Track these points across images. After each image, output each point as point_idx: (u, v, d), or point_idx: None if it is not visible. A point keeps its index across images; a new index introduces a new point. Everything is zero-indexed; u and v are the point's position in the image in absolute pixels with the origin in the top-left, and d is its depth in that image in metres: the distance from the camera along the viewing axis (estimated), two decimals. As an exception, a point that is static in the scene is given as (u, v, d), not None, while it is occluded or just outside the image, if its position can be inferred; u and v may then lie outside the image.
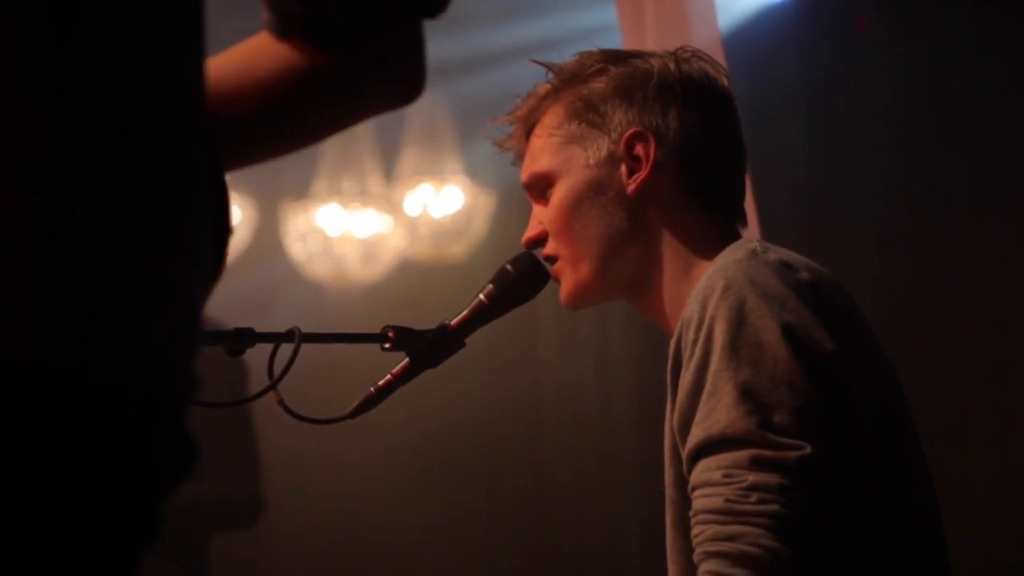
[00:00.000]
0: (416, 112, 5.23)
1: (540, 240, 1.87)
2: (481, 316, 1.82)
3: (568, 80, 1.86)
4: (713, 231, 1.82)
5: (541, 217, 1.87)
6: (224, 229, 0.96)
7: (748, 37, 4.52)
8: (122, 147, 0.79)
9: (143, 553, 0.84)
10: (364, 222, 5.29)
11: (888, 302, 4.21)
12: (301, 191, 5.29)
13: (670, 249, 1.81)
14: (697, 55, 1.87)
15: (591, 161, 1.83)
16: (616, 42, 3.32)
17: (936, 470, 1.75)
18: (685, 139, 1.81)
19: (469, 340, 1.83)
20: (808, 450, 1.53)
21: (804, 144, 4.65)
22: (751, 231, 1.92)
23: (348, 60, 1.07)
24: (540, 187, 1.87)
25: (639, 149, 1.81)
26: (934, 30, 4.48)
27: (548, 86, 1.88)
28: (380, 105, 1.13)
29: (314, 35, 1.06)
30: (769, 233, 2.61)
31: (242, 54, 1.09)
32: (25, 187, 0.75)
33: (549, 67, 1.90)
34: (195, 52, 0.88)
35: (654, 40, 3.10)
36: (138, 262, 0.80)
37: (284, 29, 1.07)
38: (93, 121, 0.78)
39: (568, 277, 1.84)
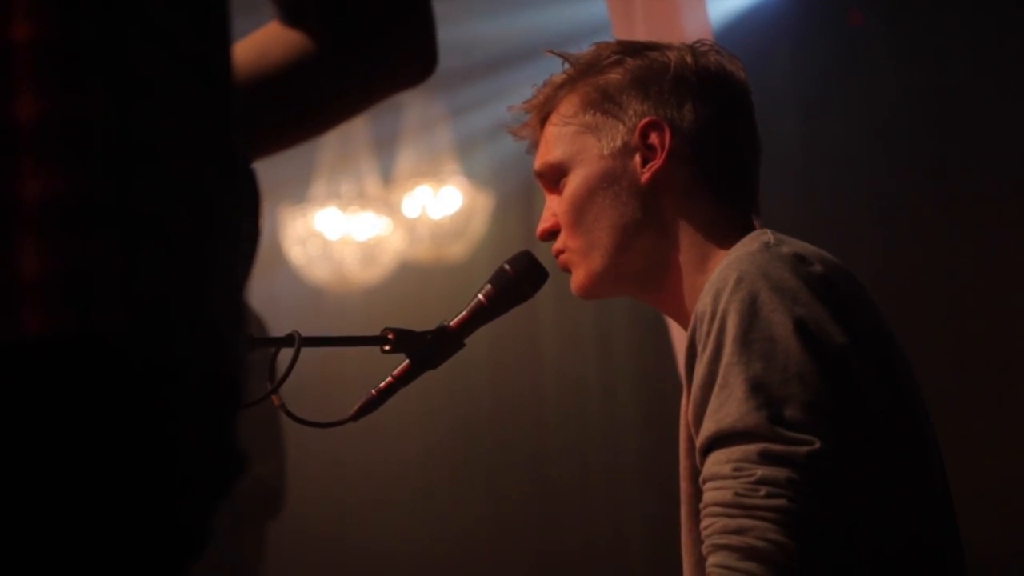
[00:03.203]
0: (413, 113, 5.24)
1: (554, 232, 1.86)
2: (480, 316, 1.82)
3: (584, 70, 1.86)
4: (728, 222, 1.81)
5: (555, 208, 1.86)
6: (258, 221, 0.96)
7: (741, 31, 4.53)
8: (174, 128, 0.80)
9: (193, 559, 0.84)
10: (363, 225, 5.29)
11: (886, 295, 4.20)
12: (299, 195, 5.29)
13: (685, 240, 1.80)
14: (715, 49, 1.87)
15: (605, 151, 1.82)
16: (607, 36, 3.32)
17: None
18: (700, 131, 1.81)
19: (470, 339, 1.83)
20: (818, 445, 1.52)
21: (799, 138, 4.65)
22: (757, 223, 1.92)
23: (359, 43, 1.08)
24: (553, 177, 1.86)
25: (654, 138, 1.81)
26: (928, 21, 4.48)
27: (564, 75, 1.88)
28: (393, 86, 1.13)
29: (324, 20, 1.06)
30: (767, 226, 2.61)
31: (255, 44, 1.09)
32: (96, 167, 0.76)
33: (566, 57, 1.89)
34: (225, 44, 0.89)
35: (644, 35, 3.10)
36: (199, 244, 0.81)
37: (294, 16, 1.07)
38: (148, 100, 0.79)
39: (580, 267, 1.83)
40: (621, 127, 1.81)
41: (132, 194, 0.77)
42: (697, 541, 1.72)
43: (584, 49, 1.90)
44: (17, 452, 0.75)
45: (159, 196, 0.78)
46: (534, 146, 1.91)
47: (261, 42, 1.09)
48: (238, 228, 0.86)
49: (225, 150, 0.85)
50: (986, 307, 4.37)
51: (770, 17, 4.67)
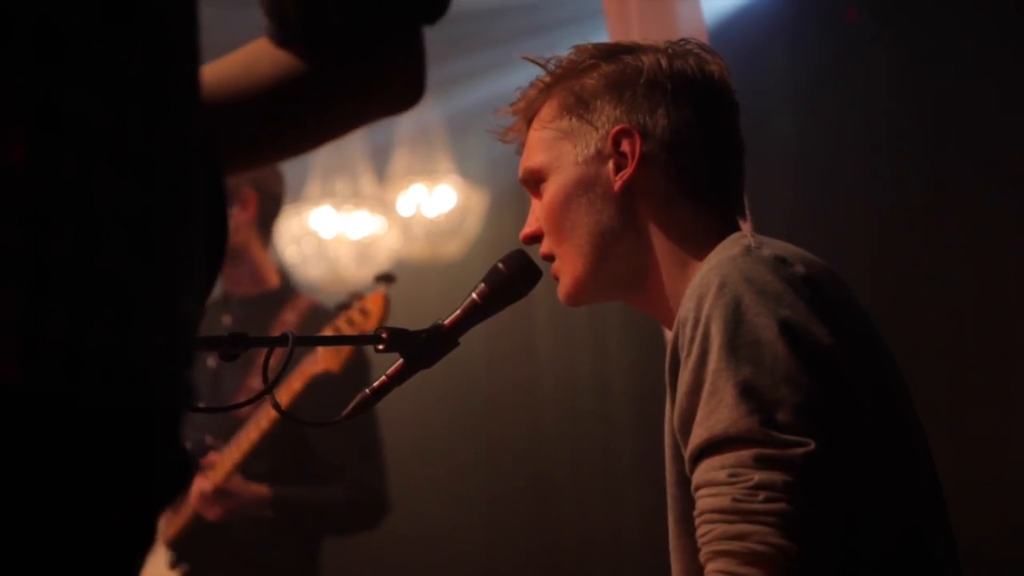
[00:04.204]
0: (407, 112, 5.22)
1: (537, 236, 1.87)
2: (474, 315, 1.82)
3: (562, 75, 1.87)
4: (708, 226, 1.81)
5: (538, 213, 1.87)
6: (220, 238, 0.95)
7: (736, 28, 4.53)
8: (110, 167, 0.79)
9: (138, 564, 0.83)
10: (357, 223, 5.29)
11: (882, 292, 4.21)
12: (294, 194, 5.28)
13: (663, 245, 1.81)
14: (695, 49, 1.86)
15: (580, 158, 1.83)
16: (602, 32, 3.32)
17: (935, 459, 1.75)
18: (674, 135, 1.81)
19: (465, 337, 1.83)
20: (812, 446, 1.52)
21: (795, 135, 4.65)
22: (743, 224, 1.91)
23: (347, 66, 1.07)
24: (534, 182, 1.88)
25: (625, 146, 1.81)
26: (923, 18, 4.48)
27: (546, 79, 1.88)
28: (380, 110, 1.13)
29: (313, 42, 1.06)
30: (760, 225, 2.61)
31: (241, 60, 1.09)
32: (8, 213, 0.74)
33: (541, 63, 1.89)
34: (187, 66, 0.87)
35: (639, 31, 3.10)
36: (128, 281, 0.79)
37: (283, 36, 1.06)
38: (80, 142, 0.77)
39: (564, 274, 1.84)
40: (595, 133, 1.82)
41: (49, 241, 0.75)
42: (686, 545, 1.72)
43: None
44: None
45: (83, 240, 0.77)
46: (523, 149, 1.91)
47: (247, 58, 1.09)
48: (186, 256, 0.85)
49: (174, 181, 0.84)
50: (982, 304, 4.37)
51: (765, 14, 4.67)
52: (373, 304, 3.26)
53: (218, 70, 1.07)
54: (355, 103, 1.11)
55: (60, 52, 0.77)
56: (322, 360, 3.26)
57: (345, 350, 3.25)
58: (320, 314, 3.55)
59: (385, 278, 3.28)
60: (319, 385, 3.24)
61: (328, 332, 3.26)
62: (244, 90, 1.07)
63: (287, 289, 3.68)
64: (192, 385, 0.85)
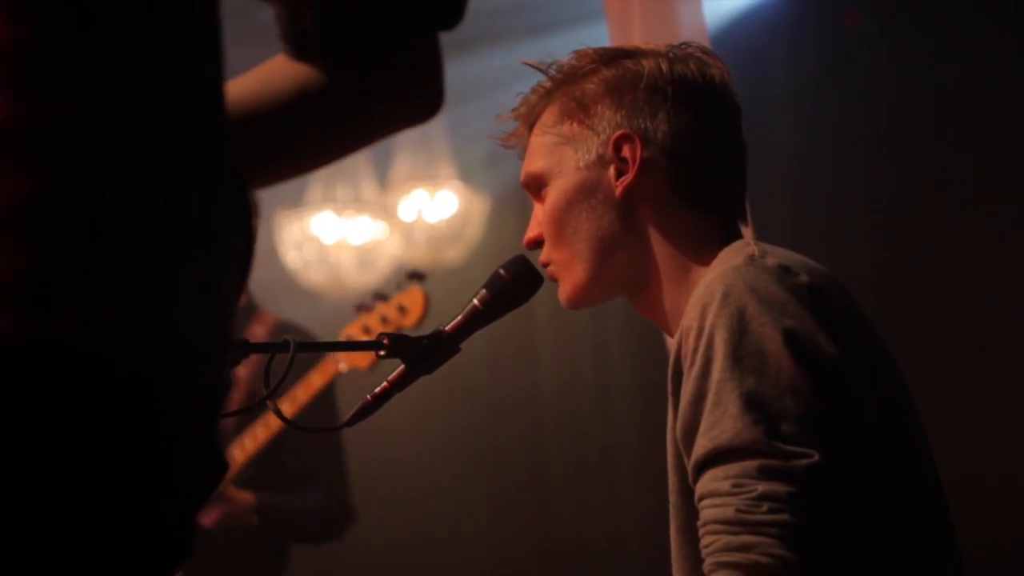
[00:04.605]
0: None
1: (540, 241, 1.87)
2: (476, 321, 1.82)
3: (563, 80, 1.87)
4: (709, 231, 1.81)
5: (540, 218, 1.87)
6: (249, 236, 0.95)
7: (737, 32, 4.53)
8: (144, 140, 0.80)
9: (177, 563, 0.84)
10: (359, 229, 5.29)
11: (883, 297, 4.21)
12: (295, 199, 5.28)
13: (664, 250, 1.80)
14: (697, 53, 1.86)
15: (581, 163, 1.83)
16: (603, 33, 3.31)
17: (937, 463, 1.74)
18: (675, 140, 1.80)
19: (467, 341, 1.83)
20: (816, 458, 1.52)
21: (796, 140, 4.65)
22: (745, 229, 1.91)
23: (365, 77, 1.07)
24: (536, 187, 1.88)
25: (626, 151, 1.81)
26: (924, 22, 4.48)
27: (547, 84, 1.88)
28: (399, 122, 1.13)
29: (331, 54, 1.06)
30: (762, 230, 2.61)
31: (260, 76, 1.09)
32: (63, 171, 0.75)
33: (542, 69, 1.89)
34: (212, 54, 0.88)
35: (641, 35, 3.10)
36: (169, 254, 0.80)
37: (301, 49, 1.07)
38: (117, 112, 0.78)
39: (565, 279, 1.84)
40: (596, 138, 1.82)
41: (97, 202, 0.76)
42: (688, 554, 1.72)
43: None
44: None
45: (126, 206, 0.78)
46: (524, 153, 1.91)
47: (266, 73, 1.09)
48: (221, 239, 0.85)
49: (204, 162, 0.84)
50: (983, 308, 4.37)
51: (766, 18, 4.66)
52: (412, 301, 3.23)
53: (237, 87, 1.07)
54: (375, 114, 1.11)
55: (94, 22, 0.78)
56: (347, 359, 3.27)
57: (373, 357, 3.22)
58: (287, 329, 3.55)
59: (417, 275, 3.27)
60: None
61: (356, 328, 3.26)
62: (264, 105, 1.07)
63: (251, 305, 3.67)
64: (229, 373, 0.86)
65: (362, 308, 3.34)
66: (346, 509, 3.67)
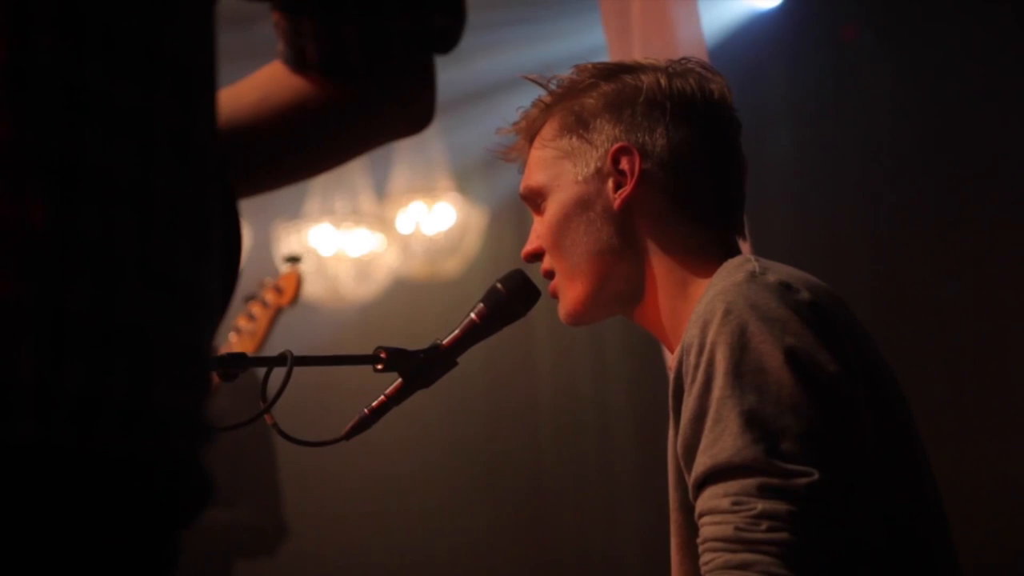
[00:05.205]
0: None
1: (538, 254, 1.87)
2: (473, 335, 1.82)
3: (563, 94, 1.87)
4: (708, 245, 1.81)
5: (539, 231, 1.87)
6: (233, 270, 0.96)
7: (735, 46, 4.53)
8: (131, 215, 0.80)
9: None
10: (357, 241, 5.29)
11: (881, 310, 4.21)
12: (293, 211, 5.28)
13: (663, 264, 1.80)
14: (696, 67, 1.86)
15: (580, 177, 1.83)
16: (602, 52, 3.32)
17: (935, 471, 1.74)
18: (673, 154, 1.80)
19: (465, 353, 1.82)
20: (816, 476, 1.51)
21: (794, 152, 4.66)
22: (743, 244, 1.91)
23: (362, 92, 1.09)
24: (535, 200, 1.88)
25: (624, 164, 1.81)
26: (921, 36, 4.48)
27: (546, 98, 1.88)
28: (391, 134, 1.15)
29: (331, 70, 1.07)
30: (760, 242, 2.61)
31: (257, 85, 1.10)
32: (25, 272, 0.75)
33: (541, 83, 1.89)
34: (207, 104, 0.88)
35: (640, 49, 3.10)
36: (149, 327, 0.80)
37: (300, 63, 1.08)
38: (100, 194, 0.78)
39: (564, 294, 1.84)
40: (594, 152, 1.82)
41: (66, 297, 0.76)
42: (689, 570, 1.72)
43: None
44: None
45: (99, 296, 0.78)
46: (524, 167, 1.92)
47: (265, 82, 1.10)
48: (206, 296, 0.86)
49: (195, 227, 0.84)
50: (982, 321, 4.37)
51: (764, 32, 4.67)
52: (287, 282, 3.32)
53: (234, 95, 1.09)
54: (369, 127, 1.13)
55: (83, 104, 0.78)
56: (236, 344, 3.32)
57: (260, 337, 3.32)
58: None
59: (293, 259, 3.38)
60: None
61: (243, 317, 3.33)
62: (261, 116, 1.09)
63: None
64: (209, 421, 0.87)
65: (249, 298, 3.42)
66: (280, 525, 3.68)
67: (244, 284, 5.30)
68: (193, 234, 0.84)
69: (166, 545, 0.83)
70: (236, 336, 3.44)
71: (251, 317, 3.41)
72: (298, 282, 3.38)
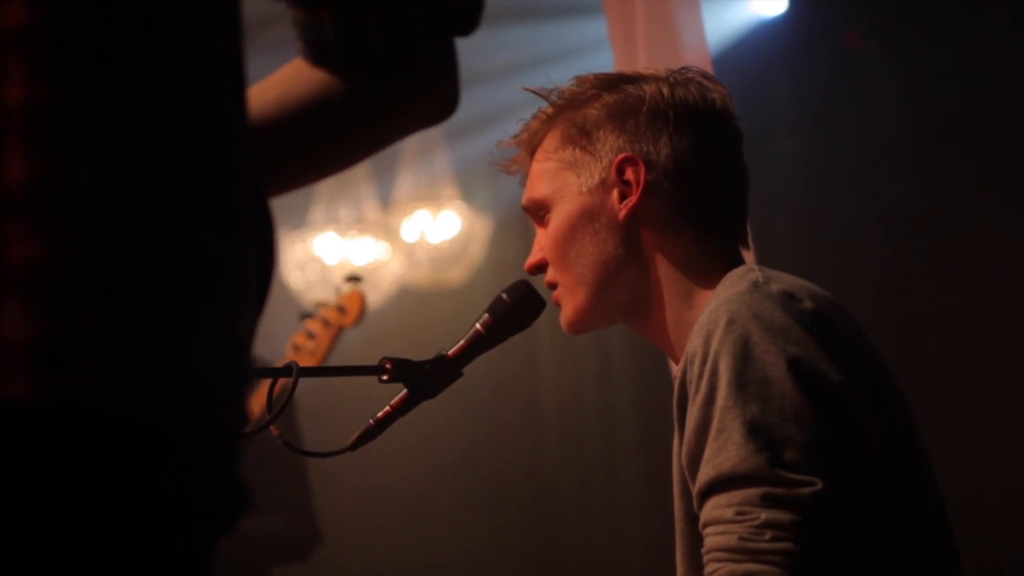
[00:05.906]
0: (411, 138, 5.22)
1: (542, 266, 1.87)
2: (478, 346, 1.82)
3: (564, 105, 1.87)
4: (712, 255, 1.81)
5: (542, 243, 1.87)
6: (268, 261, 0.96)
7: (740, 53, 4.53)
8: (163, 187, 0.80)
9: None
10: (361, 249, 5.29)
11: (886, 316, 4.21)
12: (298, 220, 5.28)
13: (667, 274, 1.80)
14: (695, 78, 1.86)
15: (584, 188, 1.83)
16: (608, 59, 3.32)
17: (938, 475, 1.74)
18: (677, 164, 1.80)
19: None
20: (820, 486, 1.51)
21: (798, 160, 4.66)
22: (747, 253, 1.91)
23: (383, 82, 1.08)
24: (538, 212, 1.88)
25: (629, 174, 1.81)
26: (925, 43, 4.49)
27: (548, 110, 1.88)
28: (415, 124, 1.14)
29: (350, 60, 1.07)
30: (764, 250, 2.61)
31: (279, 82, 1.10)
32: (79, 229, 0.76)
33: (543, 95, 1.89)
34: (234, 88, 0.88)
35: (645, 59, 3.10)
36: (188, 301, 0.80)
37: (320, 56, 1.07)
38: (134, 161, 0.79)
39: (567, 303, 1.84)
40: (598, 163, 1.82)
41: (113, 258, 0.77)
42: None
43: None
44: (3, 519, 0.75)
45: (143, 258, 0.78)
46: (526, 179, 1.91)
47: (284, 79, 1.10)
48: (240, 277, 0.86)
49: (224, 203, 0.85)
50: (986, 326, 4.37)
51: (768, 40, 4.67)
52: (350, 302, 3.30)
53: (256, 94, 1.08)
54: (392, 117, 1.12)
55: (112, 73, 0.78)
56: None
57: (321, 356, 3.30)
58: None
59: (355, 278, 3.35)
60: None
61: (301, 335, 3.32)
62: (284, 112, 1.08)
63: None
64: (248, 409, 0.87)
65: (306, 316, 3.40)
66: (313, 531, 3.68)
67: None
68: (220, 212, 0.84)
69: (205, 555, 0.83)
70: (294, 353, 3.42)
71: (310, 335, 3.38)
72: (362, 301, 3.35)
